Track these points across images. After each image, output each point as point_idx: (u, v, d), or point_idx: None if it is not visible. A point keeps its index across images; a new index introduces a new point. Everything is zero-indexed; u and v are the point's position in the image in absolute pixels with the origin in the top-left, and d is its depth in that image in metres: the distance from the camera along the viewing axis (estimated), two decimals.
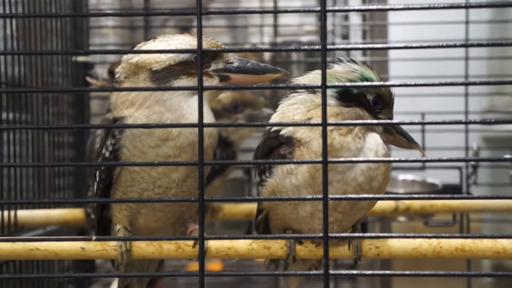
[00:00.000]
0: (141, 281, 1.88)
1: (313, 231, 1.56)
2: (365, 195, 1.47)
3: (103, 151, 1.61)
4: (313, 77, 1.59)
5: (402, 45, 1.25)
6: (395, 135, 1.58)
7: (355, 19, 3.74)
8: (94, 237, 1.54)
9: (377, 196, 1.51)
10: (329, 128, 1.46)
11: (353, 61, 1.57)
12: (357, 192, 1.49)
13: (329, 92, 1.51)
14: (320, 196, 1.20)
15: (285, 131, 1.54)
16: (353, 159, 1.46)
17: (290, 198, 1.52)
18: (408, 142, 1.58)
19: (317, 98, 1.53)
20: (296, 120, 1.54)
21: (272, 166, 1.54)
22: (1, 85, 2.13)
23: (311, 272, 1.60)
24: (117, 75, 1.62)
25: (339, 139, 1.48)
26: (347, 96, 1.53)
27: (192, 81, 1.55)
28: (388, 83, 1.41)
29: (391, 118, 1.58)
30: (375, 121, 1.54)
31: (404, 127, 1.59)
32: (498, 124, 1.30)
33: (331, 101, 1.51)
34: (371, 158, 1.49)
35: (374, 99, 1.55)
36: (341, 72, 1.55)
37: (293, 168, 1.51)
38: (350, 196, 1.45)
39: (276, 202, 1.58)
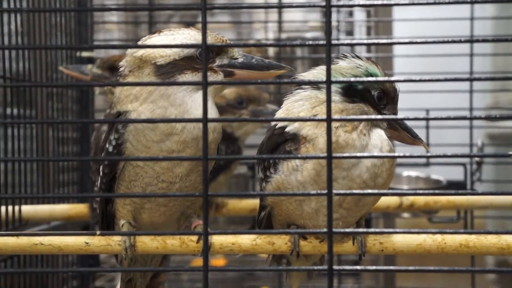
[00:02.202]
0: (145, 275, 1.88)
1: (318, 228, 1.56)
2: (369, 191, 1.47)
3: (107, 145, 1.61)
4: (318, 73, 1.59)
5: (407, 40, 1.25)
6: (399, 131, 1.58)
7: (359, 15, 3.74)
8: (98, 232, 1.54)
9: (381, 191, 1.50)
10: (334, 125, 1.46)
11: (358, 57, 1.57)
12: (362, 188, 1.49)
13: (333, 88, 1.51)
14: (325, 191, 1.20)
15: (290, 127, 1.54)
16: (358, 154, 1.46)
17: (294, 193, 1.52)
18: (412, 138, 1.58)
19: (322, 94, 1.53)
20: (302, 117, 1.54)
21: (277, 163, 1.54)
22: (6, 80, 2.13)
23: (315, 268, 1.60)
24: (121, 69, 1.61)
25: (344, 136, 1.48)
26: (352, 92, 1.52)
27: (196, 76, 1.55)
28: (393, 78, 1.41)
29: (395, 114, 1.58)
30: (379, 116, 1.54)
31: (408, 123, 1.59)
32: (503, 120, 1.29)
33: (335, 97, 1.51)
34: (375, 154, 1.49)
35: (378, 94, 1.55)
36: (346, 67, 1.54)
37: (298, 165, 1.50)
38: (354, 191, 1.45)
39: (281, 198, 1.58)
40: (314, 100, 1.54)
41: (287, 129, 1.54)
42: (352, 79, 1.50)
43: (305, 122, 1.51)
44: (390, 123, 1.57)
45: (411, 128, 1.59)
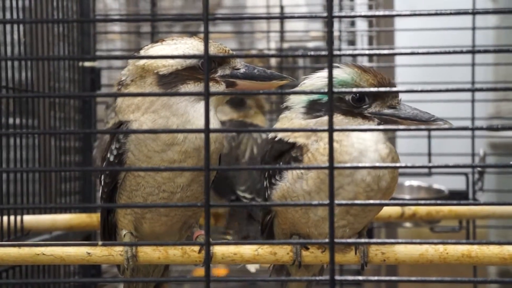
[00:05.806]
0: (147, 286, 1.88)
1: (324, 236, 1.56)
2: (371, 201, 1.47)
3: (108, 155, 1.60)
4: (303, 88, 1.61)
5: (409, 51, 1.25)
6: (402, 121, 1.53)
7: (361, 25, 3.74)
8: (100, 243, 1.54)
9: (383, 202, 1.51)
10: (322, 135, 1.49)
11: (337, 66, 1.56)
12: (367, 192, 1.50)
13: (297, 107, 1.56)
14: (327, 201, 1.20)
15: (288, 138, 1.56)
16: (360, 165, 1.46)
17: (296, 203, 1.52)
18: (421, 122, 1.53)
19: (291, 114, 1.57)
20: (302, 128, 1.55)
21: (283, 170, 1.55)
22: (8, 90, 2.13)
23: (317, 278, 1.59)
24: (123, 78, 1.61)
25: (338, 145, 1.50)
26: (317, 106, 1.53)
27: (199, 87, 1.55)
28: (394, 88, 1.40)
29: (391, 106, 1.55)
30: (381, 126, 1.53)
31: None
32: (505, 130, 1.30)
33: (298, 115, 1.54)
34: (375, 162, 1.49)
35: (353, 98, 1.53)
36: (308, 85, 1.57)
37: (303, 172, 1.51)
38: (356, 202, 1.45)
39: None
40: (286, 120, 1.58)
41: (285, 139, 1.56)
42: (354, 89, 1.50)
43: (298, 135, 1.53)
44: (386, 118, 1.54)
45: (418, 113, 1.54)
